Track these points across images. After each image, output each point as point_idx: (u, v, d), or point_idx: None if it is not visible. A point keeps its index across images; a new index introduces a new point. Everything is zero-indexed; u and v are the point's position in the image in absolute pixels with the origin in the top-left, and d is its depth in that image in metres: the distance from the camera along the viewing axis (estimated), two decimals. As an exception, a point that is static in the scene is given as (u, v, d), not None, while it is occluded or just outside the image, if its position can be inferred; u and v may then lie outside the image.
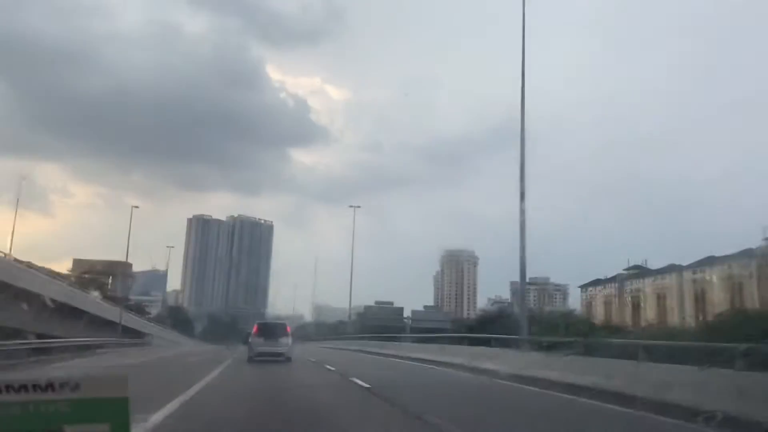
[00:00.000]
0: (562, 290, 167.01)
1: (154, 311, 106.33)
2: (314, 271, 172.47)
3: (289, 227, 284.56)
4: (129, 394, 1.57)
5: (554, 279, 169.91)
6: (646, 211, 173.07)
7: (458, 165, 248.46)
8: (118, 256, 65.74)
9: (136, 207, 54.92)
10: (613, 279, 79.53)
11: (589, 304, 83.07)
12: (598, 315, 73.50)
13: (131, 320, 55.62)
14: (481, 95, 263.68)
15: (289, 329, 24.11)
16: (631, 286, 75.32)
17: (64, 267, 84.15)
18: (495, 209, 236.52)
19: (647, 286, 72.95)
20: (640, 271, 76.20)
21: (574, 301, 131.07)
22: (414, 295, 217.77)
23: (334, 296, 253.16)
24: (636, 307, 70.81)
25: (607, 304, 79.51)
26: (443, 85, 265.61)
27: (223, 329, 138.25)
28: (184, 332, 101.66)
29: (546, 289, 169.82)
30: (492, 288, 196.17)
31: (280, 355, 22.44)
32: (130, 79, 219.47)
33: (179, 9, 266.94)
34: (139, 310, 72.62)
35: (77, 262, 73.48)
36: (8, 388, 1.48)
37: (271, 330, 23.76)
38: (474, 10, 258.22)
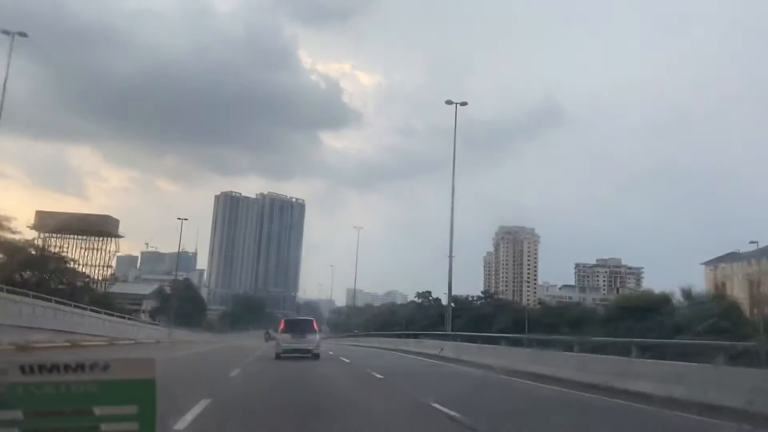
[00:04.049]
0: (635, 273, 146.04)
1: (148, 290, 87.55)
2: (348, 254, 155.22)
3: (320, 211, 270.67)
4: (156, 376, 1.54)
5: (625, 261, 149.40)
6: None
7: (495, 148, 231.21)
8: (154, 239, 48.07)
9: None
10: (761, 252, 59.52)
11: (721, 284, 63.06)
12: (740, 297, 55.26)
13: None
14: (516, 77, 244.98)
15: (316, 325, 24.01)
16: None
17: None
18: (542, 191, 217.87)
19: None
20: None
21: (658, 284, 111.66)
22: (457, 282, 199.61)
23: (367, 281, 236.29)
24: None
25: (752, 283, 59.56)
26: (476, 66, 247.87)
27: (250, 315, 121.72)
28: (190, 323, 79.11)
29: (618, 271, 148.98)
30: (552, 274, 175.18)
31: (307, 351, 22.10)
32: (161, 61, 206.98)
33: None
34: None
35: (41, 215, 53.00)
36: (41, 368, 1.46)
37: (299, 326, 23.56)
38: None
